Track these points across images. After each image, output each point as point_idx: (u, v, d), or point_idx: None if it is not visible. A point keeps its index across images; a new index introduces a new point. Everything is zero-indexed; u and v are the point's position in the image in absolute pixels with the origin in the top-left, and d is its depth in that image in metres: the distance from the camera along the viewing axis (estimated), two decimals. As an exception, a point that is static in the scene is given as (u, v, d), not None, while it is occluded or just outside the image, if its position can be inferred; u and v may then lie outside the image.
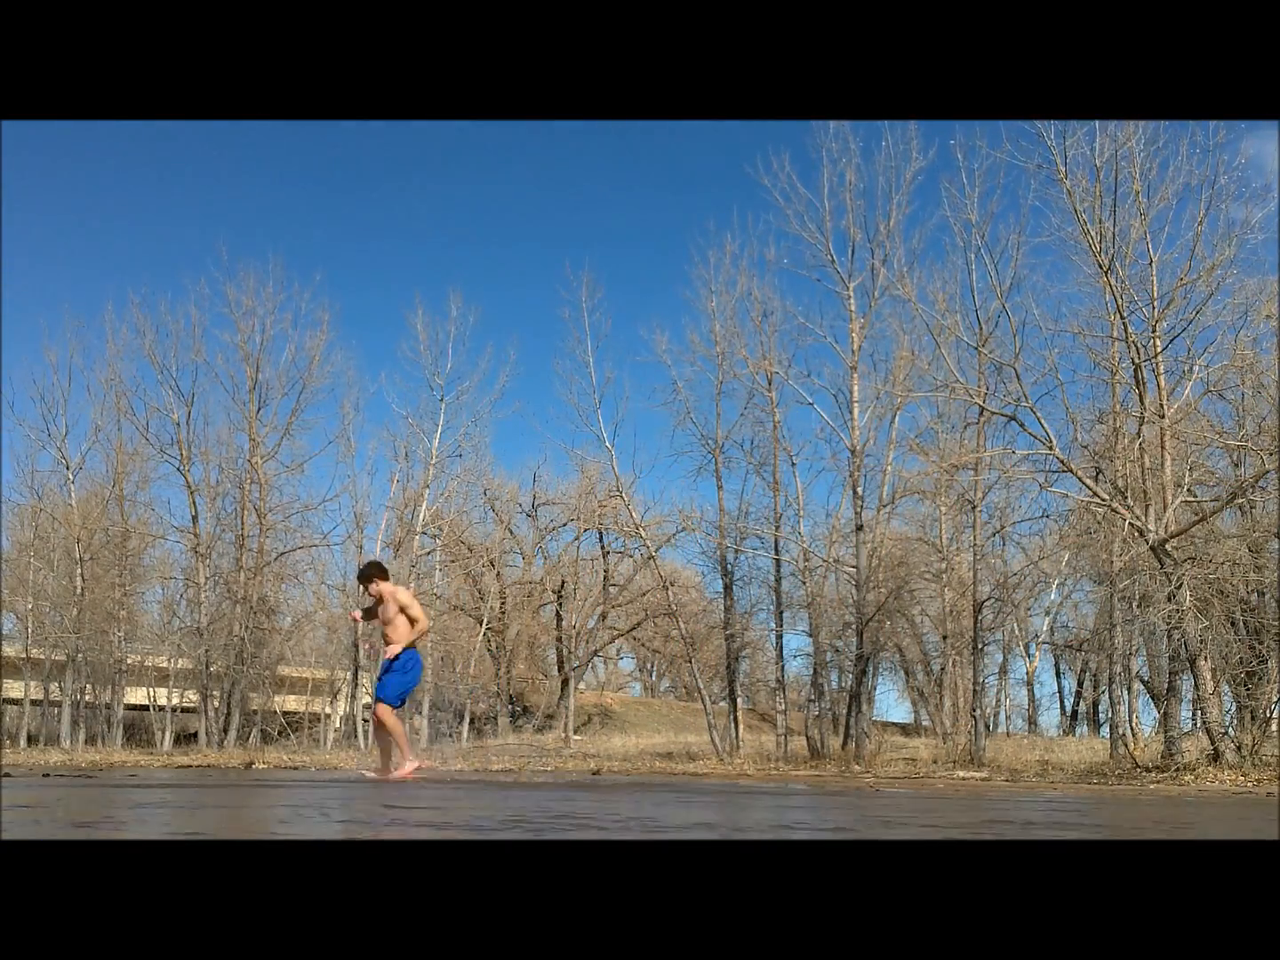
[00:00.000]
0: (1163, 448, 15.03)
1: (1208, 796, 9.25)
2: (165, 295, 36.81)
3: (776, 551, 22.56)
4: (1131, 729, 19.99)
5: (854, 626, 21.22)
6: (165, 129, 48.61)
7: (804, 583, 22.37)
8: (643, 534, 26.97)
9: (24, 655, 31.43)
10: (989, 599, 21.45)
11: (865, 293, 21.33)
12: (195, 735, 28.79)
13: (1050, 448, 15.43)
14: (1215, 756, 13.89)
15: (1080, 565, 28.36)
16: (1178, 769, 13.72)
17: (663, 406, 27.63)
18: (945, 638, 23.31)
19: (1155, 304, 15.14)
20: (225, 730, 26.82)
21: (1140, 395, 15.34)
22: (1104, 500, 15.43)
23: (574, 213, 61.70)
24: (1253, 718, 14.79)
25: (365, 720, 28.76)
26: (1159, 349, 15.24)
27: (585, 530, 33.19)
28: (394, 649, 8.96)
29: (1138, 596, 17.99)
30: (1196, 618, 14.12)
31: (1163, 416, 14.90)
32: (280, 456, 28.79)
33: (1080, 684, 38.18)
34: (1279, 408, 15.65)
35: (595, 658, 41.38)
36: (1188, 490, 16.22)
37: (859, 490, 21.23)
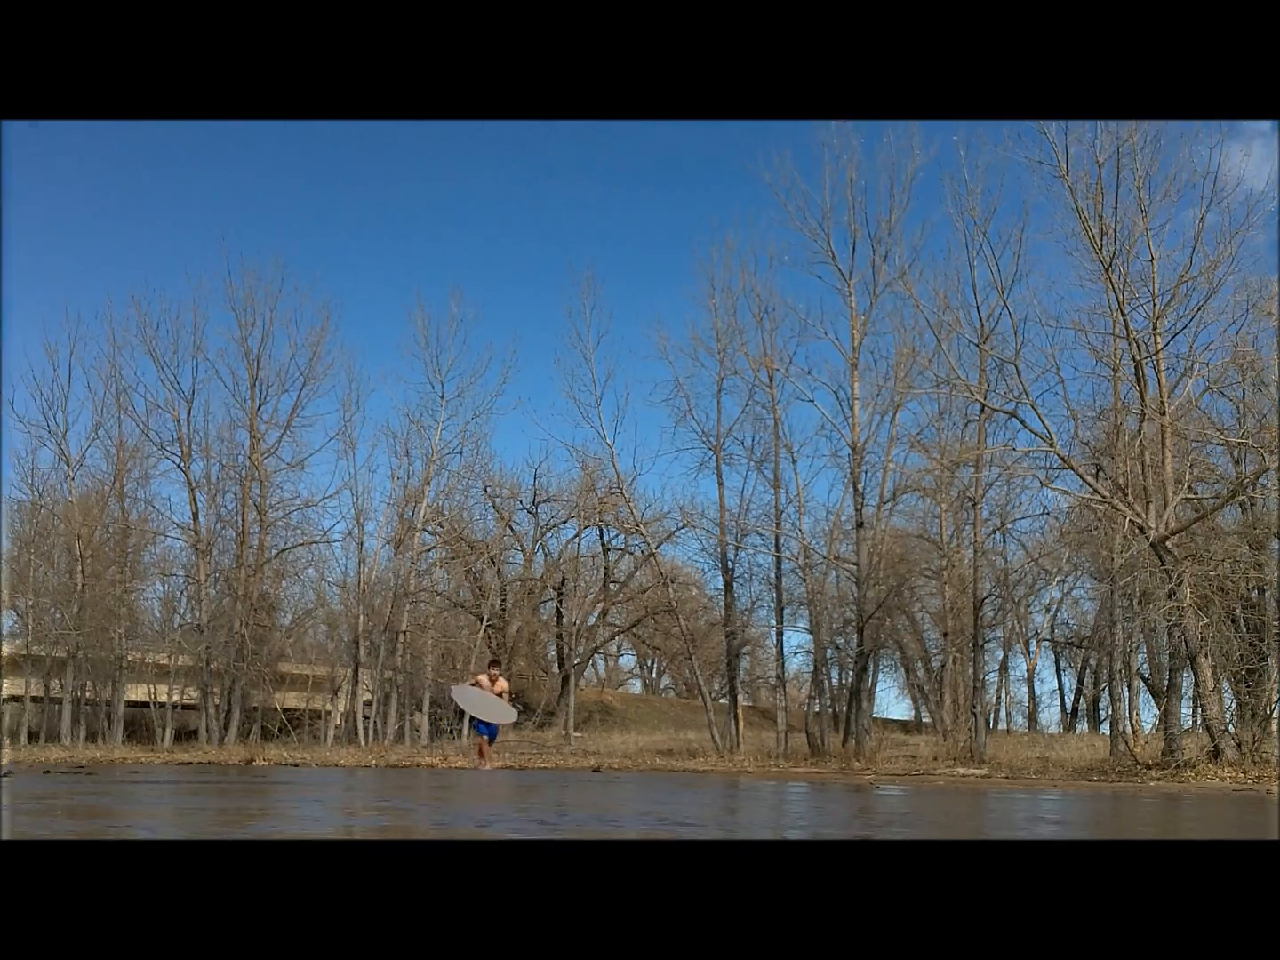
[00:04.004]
0: (1163, 444, 15.02)
1: (1208, 794, 9.26)
2: (166, 291, 36.67)
3: (777, 548, 22.56)
4: (1132, 726, 19.96)
5: (854, 623, 21.22)
6: (165, 128, 48.54)
7: (804, 579, 22.35)
8: (643, 530, 26.96)
9: (25, 652, 31.43)
10: (989, 596, 21.45)
11: (866, 289, 21.32)
12: (196, 732, 28.75)
13: (1051, 444, 15.42)
14: (1215, 753, 13.88)
15: (1081, 562, 28.31)
16: (1178, 766, 13.72)
17: (664, 403, 27.68)
18: (946, 635, 23.29)
19: (1156, 301, 15.12)
20: (226, 727, 26.84)
21: (1141, 392, 15.33)
22: (1105, 497, 15.42)
23: (575, 210, 61.66)
24: (1253, 715, 14.78)
25: (366, 717, 28.78)
26: (1160, 346, 15.22)
27: (586, 527, 33.18)
28: None
29: (1138, 593, 17.97)
30: (1197, 615, 14.11)
31: (1163, 413, 14.89)
32: (281, 453, 28.76)
33: (1080, 681, 38.15)
34: (1279, 405, 15.64)
35: (596, 654, 41.36)
36: (1188, 487, 16.21)
37: (859, 487, 21.21)
